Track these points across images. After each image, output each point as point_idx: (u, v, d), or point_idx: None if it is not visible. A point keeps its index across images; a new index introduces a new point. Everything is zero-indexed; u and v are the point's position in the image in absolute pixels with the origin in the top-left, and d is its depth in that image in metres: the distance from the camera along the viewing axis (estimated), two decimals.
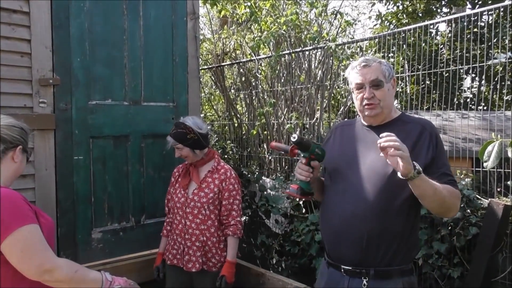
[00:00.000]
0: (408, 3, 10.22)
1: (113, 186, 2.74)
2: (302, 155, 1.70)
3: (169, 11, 2.95)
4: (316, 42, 4.42)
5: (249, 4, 4.66)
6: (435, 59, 3.70)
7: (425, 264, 2.75)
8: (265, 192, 3.68)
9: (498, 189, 2.87)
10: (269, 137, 4.82)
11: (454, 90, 3.42)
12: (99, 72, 2.66)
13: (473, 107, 3.61)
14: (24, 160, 1.57)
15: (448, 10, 10.26)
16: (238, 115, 5.32)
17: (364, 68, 1.69)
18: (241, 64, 5.08)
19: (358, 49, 4.54)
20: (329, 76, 4.41)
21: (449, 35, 5.98)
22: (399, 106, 4.65)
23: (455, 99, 3.55)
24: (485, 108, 4.25)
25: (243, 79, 5.14)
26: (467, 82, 5.70)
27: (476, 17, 4.54)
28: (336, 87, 4.80)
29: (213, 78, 5.64)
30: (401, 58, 4.85)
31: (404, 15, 10.30)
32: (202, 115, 5.48)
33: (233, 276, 2.41)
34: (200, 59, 3.88)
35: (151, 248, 2.84)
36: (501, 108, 3.33)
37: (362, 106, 1.71)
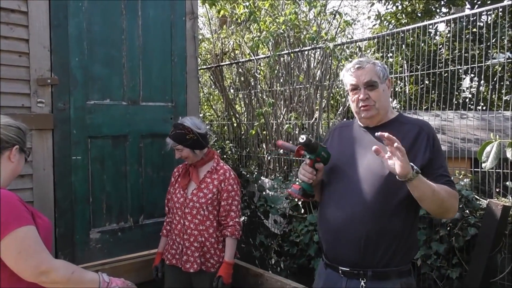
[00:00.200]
0: (407, 3, 10.22)
1: (112, 186, 2.73)
2: (307, 156, 1.70)
3: (167, 11, 2.94)
4: (315, 42, 4.42)
5: (248, 4, 4.65)
6: (434, 59, 3.70)
7: (423, 264, 2.75)
8: (264, 193, 3.68)
9: (497, 190, 2.87)
10: (268, 137, 4.82)
11: (453, 90, 3.42)
12: (97, 72, 2.65)
13: (472, 107, 3.61)
14: (22, 160, 1.57)
15: (447, 10, 10.27)
16: (237, 115, 5.32)
17: (358, 70, 1.69)
18: (240, 64, 5.08)
19: (357, 49, 4.54)
20: (328, 76, 4.41)
21: (448, 35, 5.98)
22: (398, 106, 4.65)
23: (454, 99, 3.55)
24: (484, 108, 4.25)
25: (242, 79, 5.14)
26: (466, 82, 5.69)
27: (475, 17, 4.54)
28: (335, 87, 4.81)
29: (212, 78, 5.64)
30: (400, 58, 4.84)
31: (403, 15, 10.31)
32: (201, 115, 5.48)
33: (230, 277, 2.40)
34: (199, 59, 3.87)
35: (149, 248, 2.83)
36: (500, 109, 3.32)
37: (358, 108, 1.71)
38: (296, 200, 3.38)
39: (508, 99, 6.39)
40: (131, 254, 2.80)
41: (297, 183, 1.75)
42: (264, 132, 4.92)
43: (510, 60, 3.34)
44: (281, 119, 4.67)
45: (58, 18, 2.48)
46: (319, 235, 1.85)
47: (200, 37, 5.76)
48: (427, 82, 5.60)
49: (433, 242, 2.74)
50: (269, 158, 4.75)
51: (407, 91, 4.09)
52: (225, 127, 5.56)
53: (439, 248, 2.70)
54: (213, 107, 6.14)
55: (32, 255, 1.36)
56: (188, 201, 2.43)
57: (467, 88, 5.70)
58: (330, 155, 1.73)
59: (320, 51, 4.47)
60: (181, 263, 2.42)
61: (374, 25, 10.55)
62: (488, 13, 3.72)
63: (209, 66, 5.47)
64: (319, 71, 4.56)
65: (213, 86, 6.17)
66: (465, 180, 2.91)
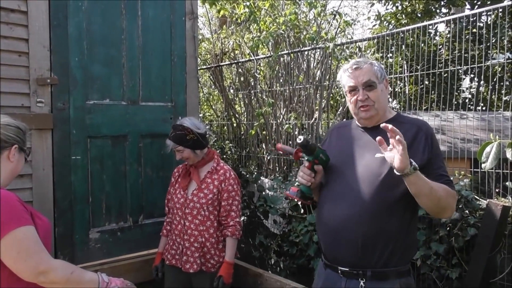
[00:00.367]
0: (407, 3, 10.23)
1: (111, 186, 2.73)
2: (306, 158, 1.69)
3: (167, 11, 2.94)
4: (315, 42, 4.42)
5: (248, 4, 4.65)
6: (434, 60, 3.70)
7: (423, 265, 2.75)
8: (263, 193, 3.68)
9: (497, 190, 2.86)
10: (267, 137, 4.82)
11: (453, 90, 3.42)
12: (97, 72, 2.65)
13: (471, 107, 3.61)
14: (21, 160, 1.56)
15: (447, 10, 10.28)
16: (236, 115, 5.32)
17: (356, 71, 1.69)
18: (240, 64, 5.08)
19: (357, 49, 4.54)
20: (328, 76, 4.41)
21: (448, 35, 5.98)
22: (398, 107, 4.65)
23: (454, 99, 3.55)
24: (483, 108, 4.25)
25: (242, 79, 5.14)
26: (466, 82, 5.69)
27: (475, 18, 4.53)
28: (335, 87, 4.80)
29: (212, 78, 5.64)
30: (400, 59, 4.84)
31: (403, 16, 10.32)
32: (200, 115, 5.48)
33: (230, 276, 2.40)
34: (198, 59, 3.87)
35: (149, 248, 2.83)
36: (500, 109, 3.32)
37: (356, 109, 1.71)
38: (295, 200, 3.38)
39: (508, 99, 6.39)
40: (131, 254, 2.80)
41: (295, 185, 1.74)
42: (264, 132, 4.92)
43: (510, 61, 3.34)
44: (280, 119, 4.67)
45: (57, 18, 2.48)
46: (318, 235, 1.85)
47: (200, 37, 5.77)
48: (427, 82, 5.60)
49: (432, 243, 2.74)
50: (268, 158, 4.75)
51: (407, 92, 4.09)
52: (225, 127, 5.56)
53: (439, 248, 2.70)
54: (213, 107, 6.14)
55: (31, 255, 1.36)
56: (189, 201, 2.43)
57: (467, 88, 5.70)
58: (329, 158, 1.73)
59: (320, 51, 4.47)
60: (181, 264, 2.42)
61: (374, 25, 10.55)
62: (488, 13, 3.71)
63: (209, 66, 5.47)
64: (319, 71, 4.56)
65: (212, 86, 6.17)
66: (465, 180, 2.90)
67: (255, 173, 4.05)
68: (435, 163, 1.62)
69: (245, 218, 3.76)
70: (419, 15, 10.00)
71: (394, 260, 1.61)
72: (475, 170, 3.03)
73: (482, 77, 3.59)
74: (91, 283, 1.47)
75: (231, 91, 5.55)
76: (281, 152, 4.30)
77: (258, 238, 3.59)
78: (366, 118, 1.71)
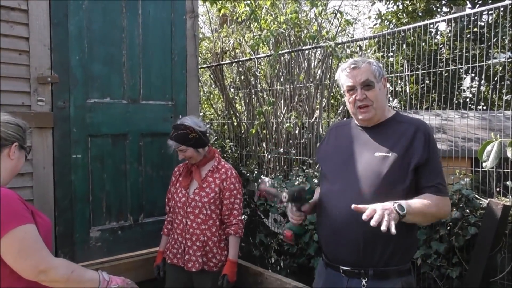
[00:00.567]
0: (408, 2, 10.22)
1: (112, 184, 2.73)
2: (293, 204, 1.73)
3: (168, 9, 2.94)
4: (315, 41, 4.41)
5: (249, 2, 4.65)
6: (435, 59, 3.70)
7: (423, 264, 2.75)
8: None
9: (498, 189, 2.86)
10: (268, 136, 4.81)
11: (454, 89, 3.41)
12: (97, 70, 2.65)
13: (472, 106, 3.60)
14: (21, 157, 1.56)
15: (448, 9, 10.27)
16: (237, 114, 5.31)
17: (354, 70, 1.68)
18: (240, 63, 5.07)
19: (358, 48, 4.53)
20: (328, 75, 4.40)
21: (449, 34, 5.97)
22: (398, 106, 4.64)
23: (455, 98, 3.54)
24: (484, 107, 4.25)
25: (243, 78, 5.13)
26: (467, 81, 5.69)
27: (476, 17, 4.53)
28: (336, 86, 4.79)
29: (212, 77, 5.63)
30: (400, 58, 4.84)
31: (404, 15, 10.30)
32: (201, 114, 5.47)
33: (234, 275, 2.41)
34: (199, 58, 3.87)
35: (149, 247, 2.83)
36: (501, 108, 3.32)
37: (355, 109, 1.71)
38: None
39: (509, 98, 6.39)
40: (131, 252, 2.80)
41: (287, 227, 1.79)
42: (264, 131, 4.91)
43: (510, 60, 3.32)
44: (281, 118, 4.67)
45: (58, 16, 2.48)
46: (318, 234, 1.85)
47: (201, 35, 5.76)
48: (427, 81, 5.60)
49: (433, 242, 2.74)
50: (269, 157, 4.75)
51: (407, 91, 4.08)
52: (225, 126, 5.55)
53: (439, 248, 2.70)
54: (213, 106, 6.14)
55: (31, 253, 1.36)
56: (190, 200, 2.43)
57: (467, 87, 5.69)
58: (314, 192, 1.79)
59: (320, 50, 4.46)
60: (183, 263, 2.42)
61: (374, 24, 10.54)
62: (489, 12, 3.71)
63: (209, 65, 5.47)
64: (319, 70, 4.55)
65: (213, 85, 6.16)
66: (465, 179, 2.90)
67: (256, 172, 4.05)
68: (432, 163, 1.63)
69: (246, 217, 3.76)
70: (420, 14, 9.98)
71: (395, 259, 1.61)
72: (475, 169, 3.03)
73: (483, 76, 3.58)
74: (92, 282, 1.48)
75: (232, 90, 5.55)
76: (280, 152, 4.31)
77: (258, 237, 3.59)
78: (365, 120, 1.71)
